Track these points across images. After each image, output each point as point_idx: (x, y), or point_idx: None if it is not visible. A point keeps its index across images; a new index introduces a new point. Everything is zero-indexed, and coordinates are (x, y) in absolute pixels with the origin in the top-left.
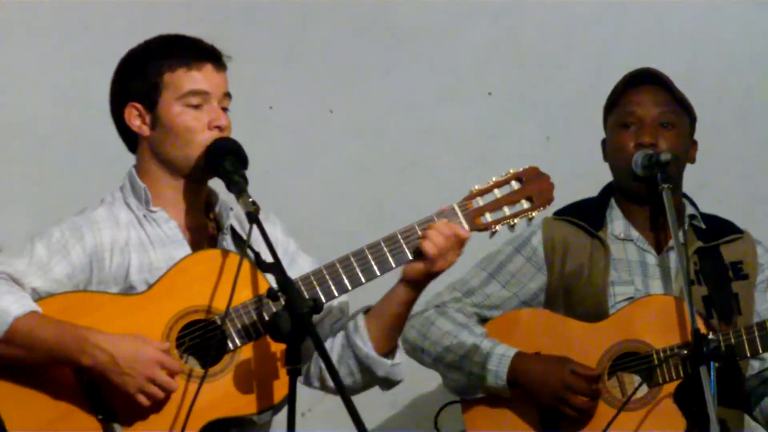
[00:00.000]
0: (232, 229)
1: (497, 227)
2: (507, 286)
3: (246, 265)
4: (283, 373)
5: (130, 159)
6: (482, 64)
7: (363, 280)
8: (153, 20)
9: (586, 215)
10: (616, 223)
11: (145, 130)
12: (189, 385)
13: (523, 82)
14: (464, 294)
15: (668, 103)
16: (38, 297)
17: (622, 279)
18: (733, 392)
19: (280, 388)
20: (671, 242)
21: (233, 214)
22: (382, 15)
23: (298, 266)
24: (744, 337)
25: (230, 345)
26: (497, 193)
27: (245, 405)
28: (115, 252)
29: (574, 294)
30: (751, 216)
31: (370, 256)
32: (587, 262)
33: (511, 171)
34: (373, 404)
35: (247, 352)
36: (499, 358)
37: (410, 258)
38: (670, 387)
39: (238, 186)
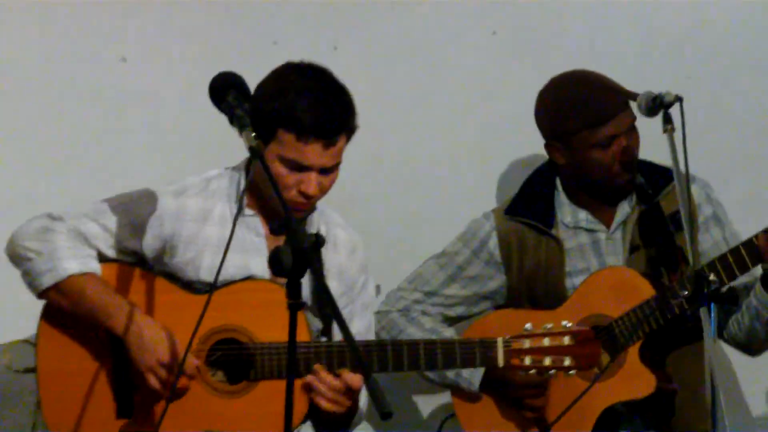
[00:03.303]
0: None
1: (531, 372)
2: (467, 287)
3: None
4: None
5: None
6: (488, 2)
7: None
8: None
9: (536, 212)
10: (564, 210)
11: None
12: (203, 393)
13: (527, 22)
14: (425, 294)
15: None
16: (102, 260)
17: (578, 268)
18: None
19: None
20: (618, 217)
21: (326, 224)
22: None
23: (352, 305)
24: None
25: (252, 374)
26: (546, 341)
27: (241, 430)
28: (190, 247)
29: (535, 291)
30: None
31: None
32: (543, 259)
33: (569, 326)
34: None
35: (266, 384)
36: (471, 371)
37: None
38: (634, 350)
39: (240, 121)
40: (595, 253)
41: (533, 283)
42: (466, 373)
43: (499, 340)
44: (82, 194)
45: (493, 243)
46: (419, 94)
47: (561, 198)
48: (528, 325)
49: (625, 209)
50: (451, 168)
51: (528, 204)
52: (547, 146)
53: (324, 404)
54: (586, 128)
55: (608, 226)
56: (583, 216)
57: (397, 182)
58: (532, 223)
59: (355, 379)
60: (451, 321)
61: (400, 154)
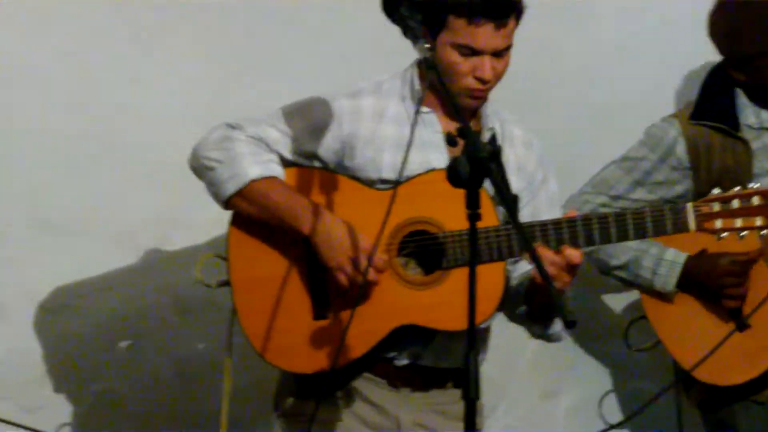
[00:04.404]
0: (493, 138)
1: (724, 234)
2: (654, 192)
3: (484, 195)
4: (485, 297)
5: None
6: None
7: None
8: None
9: (721, 115)
10: (747, 111)
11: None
12: (397, 287)
13: None
14: (611, 198)
15: None
16: (285, 164)
17: (766, 169)
18: None
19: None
20: None
21: (501, 121)
22: None
23: (536, 200)
24: None
25: (444, 263)
26: (735, 203)
27: (442, 320)
28: (369, 146)
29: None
30: None
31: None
32: (731, 162)
33: (757, 187)
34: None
35: (459, 273)
36: (670, 264)
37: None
38: None
39: (413, 32)
40: None
41: (720, 187)
42: (663, 269)
43: (689, 205)
44: (264, 104)
45: (681, 148)
46: None
47: (742, 99)
48: (716, 190)
49: None
50: (628, 68)
51: (711, 107)
52: (724, 61)
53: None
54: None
55: None
56: (766, 115)
57: (574, 82)
58: (719, 126)
59: (575, 254)
60: None
61: (576, 53)
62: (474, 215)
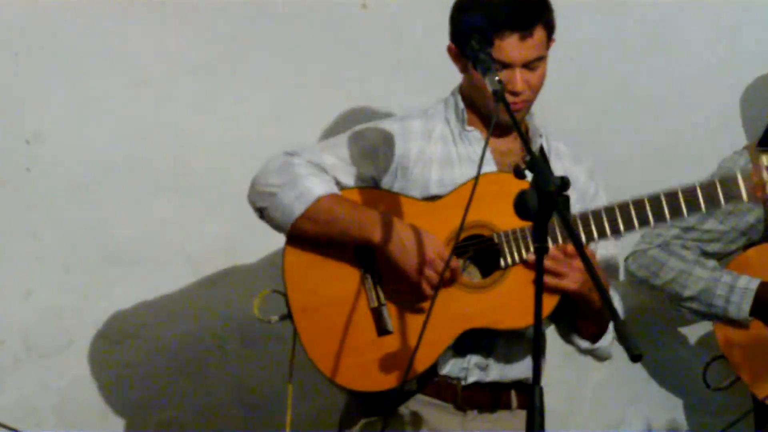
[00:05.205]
0: (541, 152)
1: None
2: (724, 222)
3: None
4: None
5: None
6: None
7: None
8: None
9: None
10: None
11: (460, 70)
12: (457, 293)
13: None
14: (683, 230)
15: None
16: (341, 188)
17: None
18: None
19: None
20: None
21: (545, 136)
22: None
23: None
24: None
25: (502, 263)
26: None
27: (505, 319)
28: (419, 164)
29: None
30: None
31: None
32: None
33: None
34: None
35: (517, 271)
36: (743, 291)
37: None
38: None
39: (484, 64)
40: None
41: None
42: (736, 297)
43: (739, 173)
44: (331, 133)
45: None
46: None
47: None
48: (766, 159)
49: None
50: (690, 100)
51: None
52: None
53: (549, 280)
54: None
55: None
56: None
57: (639, 114)
58: None
59: (569, 246)
60: (707, 258)
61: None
62: (541, 249)
